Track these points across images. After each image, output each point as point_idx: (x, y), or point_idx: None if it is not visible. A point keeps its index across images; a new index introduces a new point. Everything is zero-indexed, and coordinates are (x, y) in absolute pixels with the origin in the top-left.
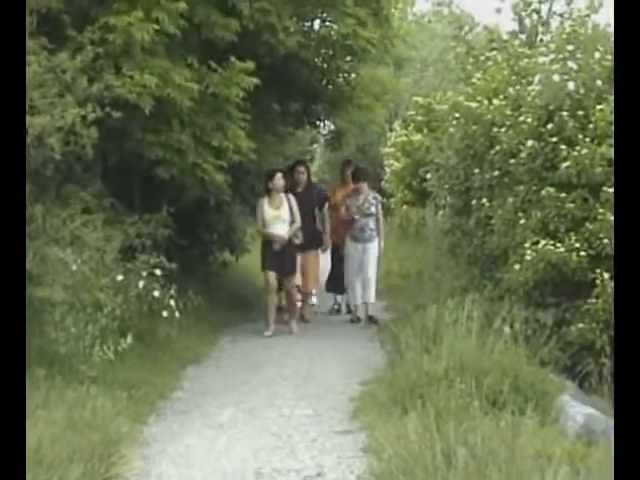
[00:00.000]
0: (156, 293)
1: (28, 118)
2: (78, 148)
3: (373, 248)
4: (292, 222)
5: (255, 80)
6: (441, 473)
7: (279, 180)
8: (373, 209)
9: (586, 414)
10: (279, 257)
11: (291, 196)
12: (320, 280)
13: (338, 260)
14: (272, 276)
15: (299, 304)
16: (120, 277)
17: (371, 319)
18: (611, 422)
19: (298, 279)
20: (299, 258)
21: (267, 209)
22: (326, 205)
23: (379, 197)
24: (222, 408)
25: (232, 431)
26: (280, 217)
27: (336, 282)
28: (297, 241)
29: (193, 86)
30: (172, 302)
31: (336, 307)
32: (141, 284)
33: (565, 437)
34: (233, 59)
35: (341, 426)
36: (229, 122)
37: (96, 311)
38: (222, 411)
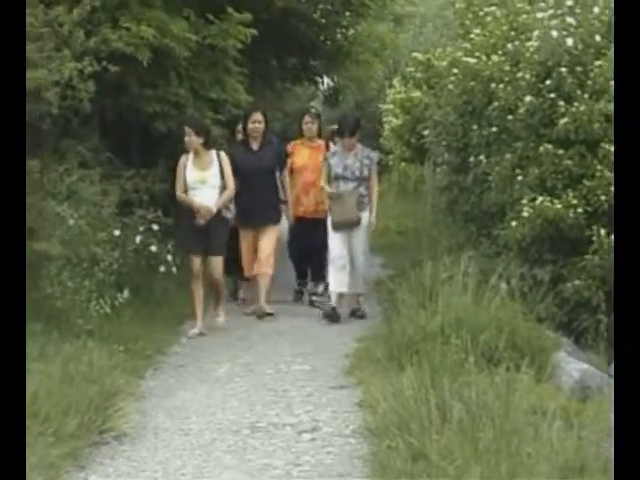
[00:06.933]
0: (153, 248)
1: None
2: (75, 102)
3: (364, 219)
4: (223, 189)
5: (252, 31)
6: (436, 428)
7: (187, 137)
8: (366, 171)
9: (581, 370)
10: (203, 235)
11: (223, 154)
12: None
13: (301, 237)
14: (197, 262)
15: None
16: (117, 232)
17: (355, 313)
18: (606, 378)
19: (250, 269)
20: (253, 237)
21: (190, 169)
22: (287, 164)
23: (374, 156)
24: (219, 363)
25: (228, 386)
26: (207, 181)
27: (300, 265)
28: (228, 214)
29: (191, 37)
30: (169, 257)
31: (297, 289)
32: (138, 239)
33: (560, 393)
34: (230, 10)
35: (337, 381)
36: (227, 76)
37: (93, 266)
38: (219, 366)
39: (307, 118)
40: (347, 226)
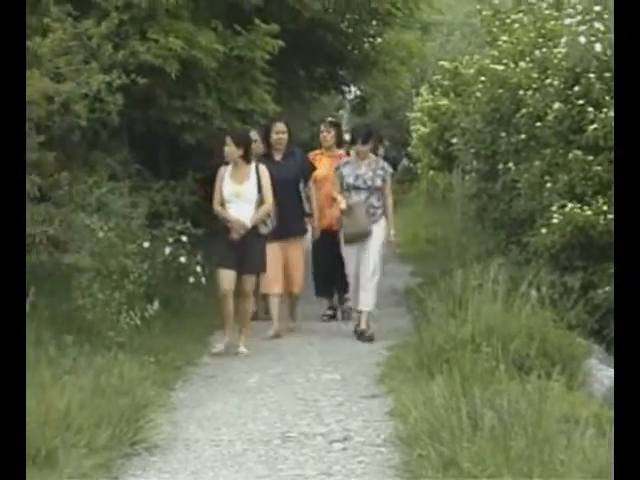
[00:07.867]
0: (182, 259)
1: (54, 85)
2: (104, 115)
3: (376, 232)
4: (260, 203)
5: (280, 42)
6: (467, 436)
7: (227, 147)
8: (379, 181)
9: (613, 377)
10: (238, 251)
11: (263, 167)
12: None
13: (325, 251)
14: (228, 276)
15: (274, 311)
16: (146, 244)
17: (362, 335)
18: None
19: (272, 285)
20: (280, 250)
21: (227, 182)
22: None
23: (388, 167)
24: (249, 373)
25: (259, 396)
26: (243, 195)
27: (326, 281)
28: (264, 230)
29: (219, 48)
30: (198, 268)
31: (330, 313)
32: (167, 250)
33: (592, 400)
34: (257, 21)
35: (367, 390)
36: (254, 86)
37: (122, 278)
38: (249, 376)
39: (322, 127)
40: (358, 238)
